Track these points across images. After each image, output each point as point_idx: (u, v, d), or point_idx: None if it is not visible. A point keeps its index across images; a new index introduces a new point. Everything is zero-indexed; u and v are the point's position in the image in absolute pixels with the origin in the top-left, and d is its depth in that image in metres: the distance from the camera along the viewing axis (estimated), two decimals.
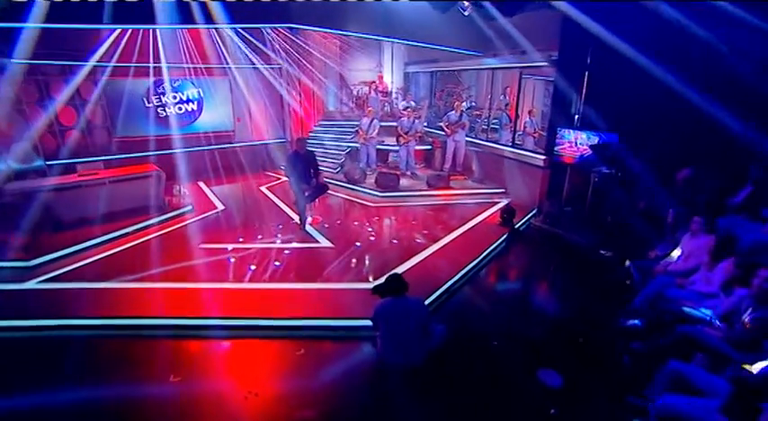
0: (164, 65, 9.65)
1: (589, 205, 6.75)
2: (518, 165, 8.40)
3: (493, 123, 10.35)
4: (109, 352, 3.96)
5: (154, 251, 5.87)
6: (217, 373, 3.68)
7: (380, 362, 3.58)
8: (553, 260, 5.98)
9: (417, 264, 5.46)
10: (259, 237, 6.46)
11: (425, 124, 10.92)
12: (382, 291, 3.63)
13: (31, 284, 4.88)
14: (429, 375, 3.47)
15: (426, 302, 4.54)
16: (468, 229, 6.74)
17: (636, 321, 3.90)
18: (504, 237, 6.49)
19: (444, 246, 6.06)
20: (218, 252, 5.84)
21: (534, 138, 9.35)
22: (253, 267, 5.36)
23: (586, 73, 6.75)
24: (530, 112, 9.42)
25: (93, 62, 8.94)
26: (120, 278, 5.03)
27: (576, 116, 7.40)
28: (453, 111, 9.33)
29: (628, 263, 4.75)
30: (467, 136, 9.61)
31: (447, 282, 5.00)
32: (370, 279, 5.10)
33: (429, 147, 10.29)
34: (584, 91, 6.96)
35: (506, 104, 9.87)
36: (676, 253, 4.36)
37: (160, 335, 4.13)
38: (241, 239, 6.31)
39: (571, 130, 6.74)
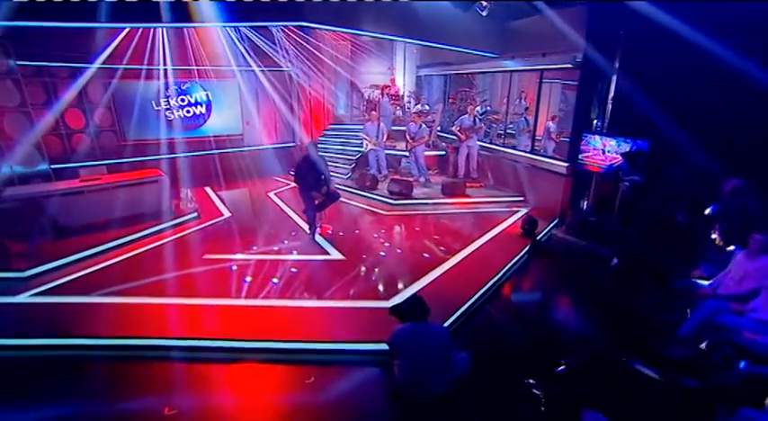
0: (169, 67, 9.42)
1: (616, 216, 6.32)
2: (537, 173, 7.99)
3: (509, 128, 10.00)
4: (95, 377, 3.60)
5: (155, 262, 5.55)
6: (216, 405, 3.32)
7: (399, 392, 3.21)
8: (580, 275, 5.55)
9: (435, 279, 5.07)
10: (265, 247, 6.13)
11: (439, 128, 10.58)
12: (402, 315, 3.28)
13: (23, 298, 4.58)
14: (451, 408, 3.09)
15: (446, 324, 4.18)
16: (488, 241, 6.34)
17: (684, 352, 3.47)
18: (526, 248, 6.09)
19: (463, 259, 5.67)
20: (222, 263, 5.52)
21: (556, 142, 9.03)
22: (257, 281, 5.01)
23: (615, 75, 6.32)
24: (553, 118, 9.09)
25: (101, 64, 8.78)
26: (116, 291, 4.72)
27: (595, 121, 6.99)
28: (467, 116, 8.97)
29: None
30: (481, 141, 9.23)
31: (468, 300, 4.61)
32: (385, 295, 4.72)
33: (443, 152, 9.93)
34: (611, 94, 6.54)
35: (526, 108, 9.51)
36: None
37: (155, 356, 3.80)
38: (246, 250, 5.97)
39: (598, 137, 6.32)
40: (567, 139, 8.92)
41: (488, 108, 10.95)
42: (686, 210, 4.75)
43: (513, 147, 9.05)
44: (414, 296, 3.33)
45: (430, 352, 3.10)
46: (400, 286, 4.90)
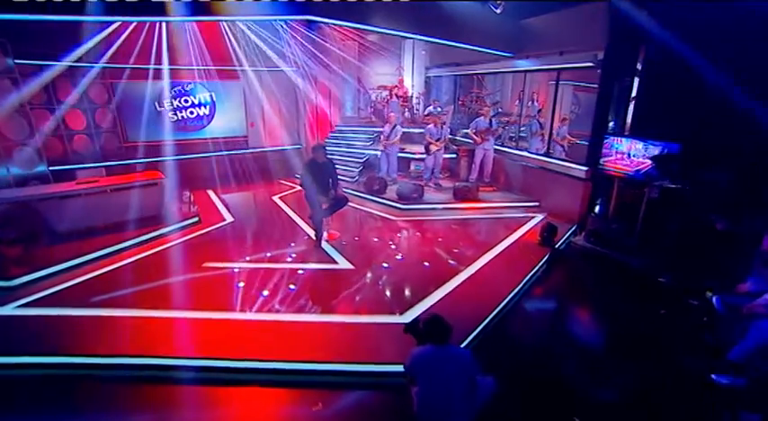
0: (165, 66, 9.14)
1: (642, 223, 5.92)
2: (553, 177, 7.62)
3: (521, 131, 9.65)
4: (83, 398, 3.28)
5: (152, 270, 5.23)
6: None
7: None
8: (607, 287, 5.17)
9: (451, 292, 4.70)
10: (269, 254, 5.79)
11: (449, 131, 10.25)
12: (421, 336, 2.93)
13: (8, 310, 4.25)
14: None
15: (464, 343, 3.81)
16: (505, 249, 5.97)
17: (737, 379, 3.08)
18: (545, 258, 5.72)
19: (479, 269, 5.30)
20: (223, 273, 5.18)
21: (563, 146, 8.65)
22: (259, 293, 4.67)
23: (640, 73, 5.94)
24: (563, 120, 8.71)
25: (103, 64, 8.58)
26: (108, 302, 4.40)
27: (611, 123, 6.63)
28: (482, 118, 8.62)
29: (711, 296, 3.92)
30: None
31: (487, 316, 4.24)
32: (399, 308, 4.36)
33: (454, 155, 9.57)
34: (634, 94, 6.16)
35: (539, 110, 9.16)
36: None
37: (146, 377, 3.46)
38: (248, 258, 5.64)
39: (623, 139, 5.94)
40: (578, 142, 8.69)
41: (500, 110, 10.59)
42: (727, 218, 4.36)
43: (526, 151, 8.71)
44: (432, 315, 2.97)
45: (452, 378, 2.74)
46: (414, 299, 4.52)
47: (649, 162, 5.52)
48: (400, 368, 2.91)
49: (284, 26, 9.45)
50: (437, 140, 8.54)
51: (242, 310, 4.31)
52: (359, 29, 6.26)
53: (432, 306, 4.36)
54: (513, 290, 4.78)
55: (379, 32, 6.51)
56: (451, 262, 5.53)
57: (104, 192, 6.33)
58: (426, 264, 5.50)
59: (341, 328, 4.04)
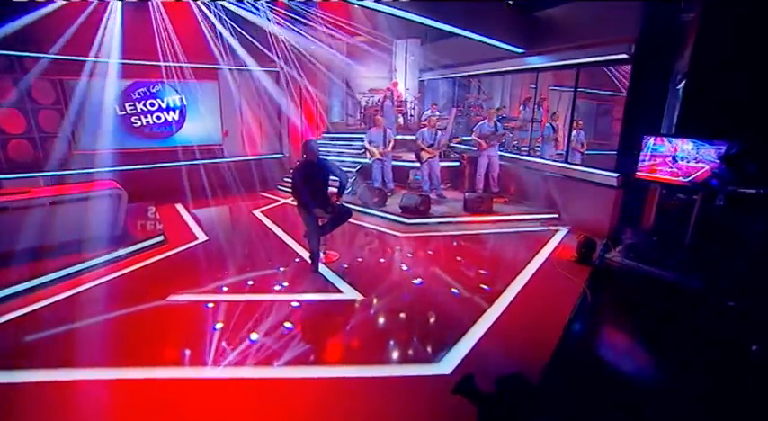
0: (114, 60, 7.88)
1: (692, 236, 5.11)
2: (575, 185, 6.81)
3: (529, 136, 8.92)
4: None
5: (99, 307, 3.94)
6: None
7: None
8: (675, 316, 4.24)
9: (491, 327, 3.66)
10: (253, 282, 4.59)
11: (446, 136, 9.40)
12: (487, 405, 1.90)
13: None
14: None
15: None
16: (539, 268, 5.01)
17: None
18: (587, 278, 4.80)
19: (518, 294, 4.30)
20: (193, 308, 3.96)
21: (581, 153, 7.95)
22: (245, 336, 3.48)
23: (688, 62, 5.21)
24: (577, 124, 8.00)
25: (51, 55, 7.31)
26: (29, 359, 3.13)
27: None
28: (486, 121, 7.81)
29: None
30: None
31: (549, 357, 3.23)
32: (429, 352, 3.28)
33: (457, 163, 8.68)
34: (680, 87, 5.45)
35: (553, 114, 8.48)
36: None
37: None
38: (227, 288, 4.43)
39: (667, 139, 5.15)
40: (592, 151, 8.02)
41: (504, 115, 9.86)
42: None
43: (539, 157, 7.94)
44: (513, 376, 1.94)
45: None
46: (449, 340, 3.43)
47: (704, 166, 4.73)
48: None
49: (269, 20, 8.48)
50: (429, 146, 7.62)
51: (218, 363, 3.11)
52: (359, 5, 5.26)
53: (474, 346, 3.32)
54: (566, 319, 3.80)
55: (372, 10, 5.58)
56: (482, 286, 4.51)
57: (40, 207, 5.00)
58: (452, 290, 4.46)
59: (359, 386, 2.90)
